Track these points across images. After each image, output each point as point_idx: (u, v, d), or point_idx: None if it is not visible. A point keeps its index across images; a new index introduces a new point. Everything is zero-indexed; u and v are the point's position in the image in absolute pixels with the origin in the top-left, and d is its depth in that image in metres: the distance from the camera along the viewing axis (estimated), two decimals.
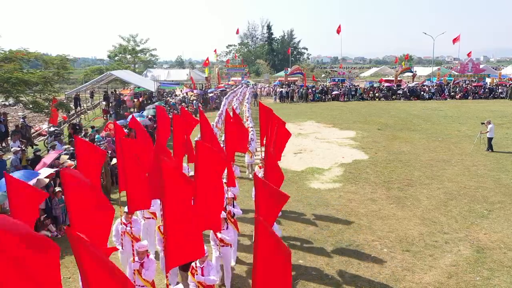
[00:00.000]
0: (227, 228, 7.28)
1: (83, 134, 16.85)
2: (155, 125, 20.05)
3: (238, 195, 10.02)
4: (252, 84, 50.67)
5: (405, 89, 41.39)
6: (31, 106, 18.30)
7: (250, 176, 13.54)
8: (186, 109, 16.68)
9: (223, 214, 7.87)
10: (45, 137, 18.42)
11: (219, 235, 7.14)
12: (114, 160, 12.43)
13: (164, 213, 4.89)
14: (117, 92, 33.31)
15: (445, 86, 42.77)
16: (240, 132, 11.48)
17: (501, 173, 14.05)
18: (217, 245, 7.20)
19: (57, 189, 10.06)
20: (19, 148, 12.96)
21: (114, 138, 15.86)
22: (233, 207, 8.27)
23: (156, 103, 27.54)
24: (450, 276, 7.58)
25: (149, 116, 21.18)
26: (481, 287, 7.27)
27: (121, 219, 7.21)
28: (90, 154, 7.32)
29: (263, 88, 47.32)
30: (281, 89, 41.86)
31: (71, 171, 5.39)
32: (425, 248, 8.70)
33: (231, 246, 7.38)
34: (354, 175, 14.07)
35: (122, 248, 7.20)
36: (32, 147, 15.95)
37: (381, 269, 7.90)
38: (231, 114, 12.46)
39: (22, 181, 6.00)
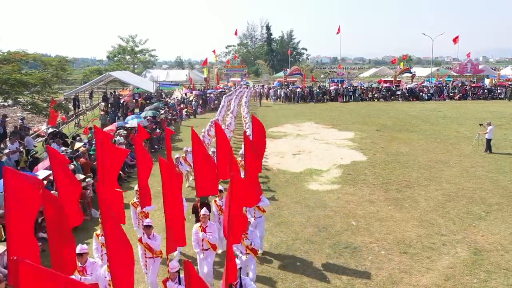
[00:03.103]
0: None
1: (74, 138, 16.62)
2: (154, 126, 20.08)
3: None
4: (254, 84, 50.55)
5: (403, 90, 41.42)
6: (29, 107, 18.26)
7: None
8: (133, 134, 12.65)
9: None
10: (44, 138, 18.42)
11: None
12: None
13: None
14: (116, 93, 33.31)
15: (444, 87, 42.82)
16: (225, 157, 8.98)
17: (499, 174, 14.06)
18: None
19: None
20: (9, 151, 12.86)
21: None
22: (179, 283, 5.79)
23: (155, 104, 27.56)
24: (447, 279, 7.59)
25: (148, 118, 21.21)
26: None
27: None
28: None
29: (266, 89, 47.05)
30: (280, 90, 41.84)
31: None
32: (422, 250, 8.71)
33: None
34: (352, 177, 14.07)
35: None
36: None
37: (378, 271, 7.91)
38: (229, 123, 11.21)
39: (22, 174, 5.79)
